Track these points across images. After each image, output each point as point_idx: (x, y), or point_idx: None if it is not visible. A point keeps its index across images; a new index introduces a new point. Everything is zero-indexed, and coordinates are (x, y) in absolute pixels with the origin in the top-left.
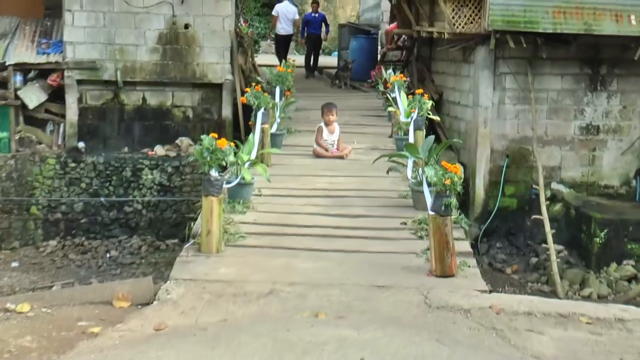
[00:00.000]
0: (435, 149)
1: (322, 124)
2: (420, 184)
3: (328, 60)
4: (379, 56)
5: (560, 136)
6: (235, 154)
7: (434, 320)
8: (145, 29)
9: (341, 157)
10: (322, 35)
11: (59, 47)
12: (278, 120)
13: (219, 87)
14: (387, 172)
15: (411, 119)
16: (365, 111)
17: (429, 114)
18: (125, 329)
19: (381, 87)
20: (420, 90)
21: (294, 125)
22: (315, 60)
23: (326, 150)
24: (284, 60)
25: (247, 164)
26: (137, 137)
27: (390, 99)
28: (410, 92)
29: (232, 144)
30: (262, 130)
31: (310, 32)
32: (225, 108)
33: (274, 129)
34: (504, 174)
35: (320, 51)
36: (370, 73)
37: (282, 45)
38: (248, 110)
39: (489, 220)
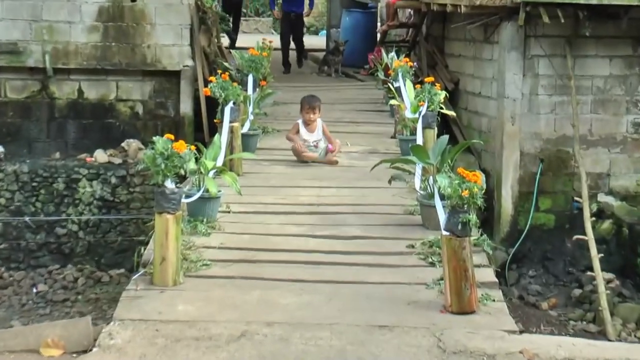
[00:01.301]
0: (449, 152)
1: (300, 122)
2: (431, 196)
3: (314, 41)
4: (378, 36)
5: (608, 135)
6: (196, 160)
7: None
8: (81, 3)
9: (332, 163)
10: (305, 10)
11: None
12: (251, 117)
13: (175, 75)
14: (389, 181)
15: (419, 114)
16: (362, 105)
17: (441, 108)
18: None
19: (381, 75)
20: (430, 79)
21: (272, 123)
22: (299, 47)
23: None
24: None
25: (211, 173)
26: (72, 140)
27: (393, 89)
28: (418, 80)
29: (193, 147)
30: (231, 130)
31: (288, 10)
32: (184, 102)
33: (245, 129)
34: (538, 184)
35: (304, 32)
36: (368, 57)
37: (288, 27)
38: (213, 104)
39: (519, 242)
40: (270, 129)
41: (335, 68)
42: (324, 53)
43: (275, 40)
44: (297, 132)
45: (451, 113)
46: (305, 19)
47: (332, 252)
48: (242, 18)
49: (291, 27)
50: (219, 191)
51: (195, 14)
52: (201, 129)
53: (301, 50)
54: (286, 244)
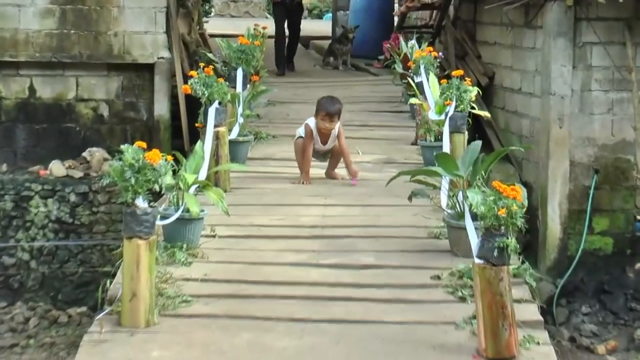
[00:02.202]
0: (483, 162)
1: (313, 125)
2: (460, 216)
3: (317, 27)
4: (395, 19)
5: None
6: (174, 172)
7: None
8: None
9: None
10: None
11: None
12: (241, 120)
13: (148, 69)
14: (410, 198)
15: (446, 115)
16: (375, 104)
17: (473, 108)
18: None
19: (399, 68)
20: (459, 72)
21: (266, 127)
22: (292, 40)
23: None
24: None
25: (193, 189)
26: (22, 149)
27: (414, 85)
28: (444, 74)
29: (170, 157)
30: (217, 136)
31: None
32: (159, 102)
33: (234, 134)
34: (592, 200)
35: (301, 21)
36: (383, 46)
37: (283, 14)
38: (194, 105)
39: (569, 272)
40: (264, 134)
41: (344, 59)
42: (329, 41)
43: (270, 26)
44: (311, 138)
45: (485, 114)
46: (306, 1)
47: (339, 284)
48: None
49: (287, 14)
50: (202, 211)
51: None
52: (180, 135)
53: (293, 44)
54: (283, 275)
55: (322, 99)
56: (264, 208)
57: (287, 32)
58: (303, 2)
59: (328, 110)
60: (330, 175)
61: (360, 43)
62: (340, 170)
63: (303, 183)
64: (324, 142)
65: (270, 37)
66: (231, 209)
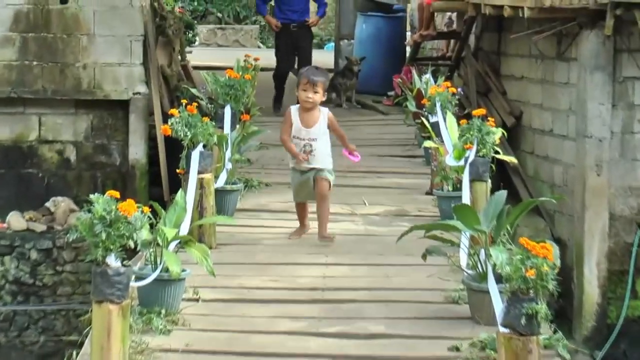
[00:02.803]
0: (509, 215)
1: (294, 108)
2: (482, 277)
3: (318, 58)
4: (407, 50)
5: None
6: (152, 226)
7: None
8: None
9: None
10: (312, 20)
11: None
12: (229, 165)
13: (122, 107)
14: (424, 256)
15: (465, 161)
16: (385, 148)
17: (497, 153)
18: None
19: (412, 106)
20: (481, 111)
21: (258, 174)
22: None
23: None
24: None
25: (173, 245)
26: None
27: (429, 126)
28: (464, 113)
29: (147, 209)
30: (201, 184)
31: (287, 18)
32: (135, 145)
33: (221, 182)
34: (635, 259)
35: (311, 50)
36: (393, 80)
37: (289, 44)
38: (176, 148)
39: (609, 343)
40: (255, 182)
41: (348, 96)
42: (331, 75)
43: (263, 57)
44: (289, 123)
45: (511, 159)
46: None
47: (343, 357)
48: (219, 26)
49: (293, 44)
50: (184, 271)
51: (150, 20)
52: (159, 182)
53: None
54: (278, 346)
55: (302, 69)
56: (255, 267)
57: (289, 64)
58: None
59: (309, 77)
60: (323, 236)
61: (367, 77)
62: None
63: (295, 165)
64: (307, 124)
65: (264, 69)
66: (217, 269)
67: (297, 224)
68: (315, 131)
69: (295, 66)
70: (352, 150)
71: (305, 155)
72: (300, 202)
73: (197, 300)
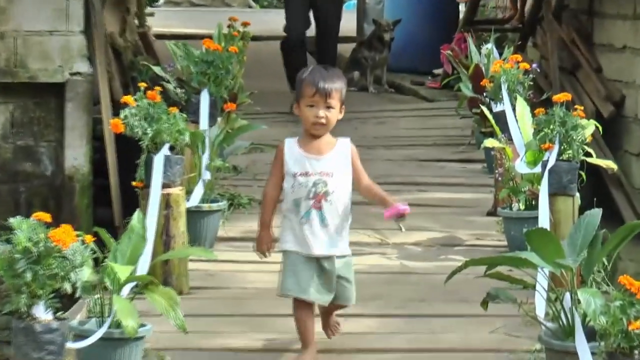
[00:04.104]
0: (606, 244)
1: (288, 141)
2: (567, 333)
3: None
4: (461, 11)
5: None
6: (97, 262)
7: None
8: None
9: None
10: None
11: None
12: (207, 175)
13: (55, 93)
14: (485, 304)
15: (543, 167)
16: (428, 150)
17: (588, 155)
18: None
19: (467, 90)
20: (565, 96)
21: (249, 187)
22: (323, 55)
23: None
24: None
25: (127, 290)
26: None
27: (491, 118)
28: (541, 99)
29: (90, 238)
30: (167, 203)
31: None
32: (74, 147)
33: (195, 199)
34: None
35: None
36: (441, 53)
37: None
38: (131, 151)
39: None
40: (244, 198)
41: (376, 75)
42: (352, 45)
43: (256, 21)
44: (281, 164)
45: (609, 164)
46: None
47: None
48: None
49: (311, 5)
50: (142, 326)
51: None
52: (107, 200)
53: (326, 53)
54: None
55: (304, 70)
56: (243, 321)
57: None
58: None
59: (317, 84)
60: (329, 326)
61: (403, 49)
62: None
63: (256, 251)
64: (316, 152)
65: (257, 38)
66: (191, 323)
67: None
68: (330, 160)
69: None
70: (395, 205)
71: (267, 252)
72: (300, 301)
73: None
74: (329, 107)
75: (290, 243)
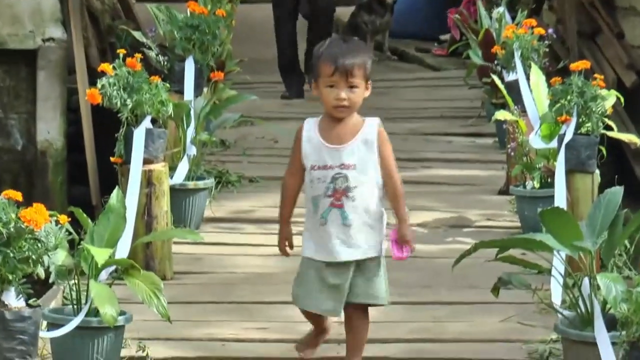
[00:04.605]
0: (628, 225)
1: (310, 121)
2: (586, 321)
3: None
4: None
5: None
6: (73, 245)
7: None
8: None
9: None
10: None
11: None
12: (192, 151)
13: (26, 61)
14: (496, 290)
15: (560, 142)
16: (435, 123)
17: (609, 129)
18: None
19: (477, 57)
20: (584, 64)
21: (238, 163)
22: (314, 37)
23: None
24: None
25: (105, 275)
26: None
27: (503, 88)
28: (557, 67)
29: (65, 218)
30: (149, 180)
31: None
32: (47, 119)
33: (180, 176)
34: None
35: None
36: (448, 17)
37: None
38: (109, 124)
39: None
40: (233, 176)
41: (377, 42)
42: (351, 9)
43: None
44: (299, 151)
45: (632, 138)
46: None
47: None
48: None
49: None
50: (122, 314)
51: None
52: (83, 177)
53: (316, 33)
54: None
55: (320, 46)
56: (232, 309)
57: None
58: None
59: (337, 61)
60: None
61: (406, 12)
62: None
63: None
64: (339, 139)
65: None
66: (175, 311)
67: (296, 249)
68: (352, 151)
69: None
70: (403, 243)
71: (288, 249)
72: (314, 315)
73: (143, 359)
74: (351, 87)
75: (308, 249)
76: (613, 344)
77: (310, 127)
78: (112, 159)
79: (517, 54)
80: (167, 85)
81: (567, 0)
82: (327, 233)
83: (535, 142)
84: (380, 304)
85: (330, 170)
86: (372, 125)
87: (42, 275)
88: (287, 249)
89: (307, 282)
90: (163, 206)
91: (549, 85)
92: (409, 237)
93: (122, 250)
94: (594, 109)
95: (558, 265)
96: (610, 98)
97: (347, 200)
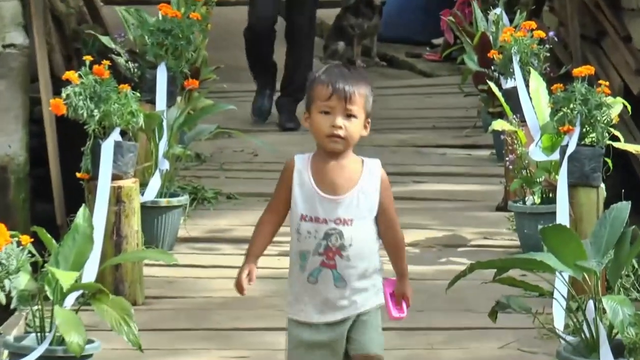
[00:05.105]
0: (637, 243)
1: (300, 158)
2: (590, 348)
3: None
4: None
5: None
6: (36, 268)
7: None
8: None
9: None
10: None
11: None
12: (165, 165)
13: None
14: (493, 315)
15: (562, 154)
16: (427, 134)
17: (615, 139)
18: None
19: (472, 63)
20: (588, 69)
21: (214, 178)
22: (295, 67)
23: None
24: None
25: (71, 300)
26: None
27: (500, 96)
28: (559, 73)
29: (27, 238)
30: (118, 198)
31: None
32: (8, 132)
33: (152, 193)
34: None
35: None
36: (441, 20)
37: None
38: (75, 137)
39: None
40: (209, 192)
41: (365, 46)
42: (336, 11)
43: None
44: (288, 190)
45: (639, 149)
46: None
47: None
48: None
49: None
50: (90, 342)
51: None
52: (47, 194)
53: (296, 79)
54: None
55: (318, 70)
56: (208, 336)
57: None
58: None
59: (335, 85)
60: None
61: (396, 14)
62: None
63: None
64: (334, 186)
65: (224, 3)
66: (147, 338)
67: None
68: (350, 204)
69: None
70: (401, 297)
71: (245, 284)
72: None
73: None
74: (349, 116)
75: (293, 307)
76: None
77: (302, 168)
78: (78, 174)
79: (515, 59)
80: (138, 94)
81: (569, 1)
82: (317, 292)
83: (536, 154)
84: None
85: (324, 225)
86: (373, 171)
87: (3, 300)
88: (244, 283)
89: (298, 347)
90: (133, 225)
91: (550, 93)
92: (409, 293)
93: (89, 273)
94: (598, 118)
95: (560, 287)
96: (616, 106)
97: (340, 260)
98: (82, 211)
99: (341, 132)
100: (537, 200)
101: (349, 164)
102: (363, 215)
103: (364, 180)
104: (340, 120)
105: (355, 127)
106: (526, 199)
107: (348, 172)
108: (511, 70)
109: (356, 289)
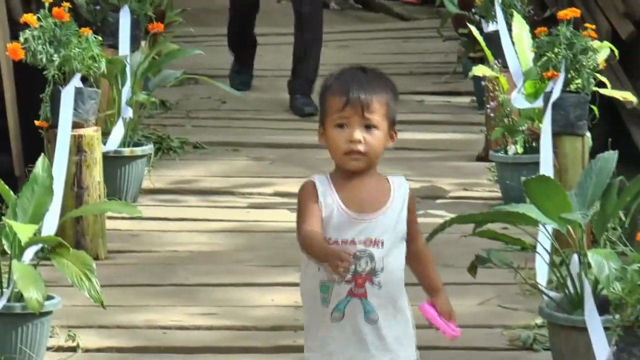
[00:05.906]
0: (623, 194)
1: (320, 179)
2: (575, 304)
3: None
4: None
5: None
6: None
7: None
8: None
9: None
10: None
11: None
12: (128, 113)
13: None
14: (473, 269)
15: (546, 101)
16: (405, 80)
17: (601, 86)
18: None
19: (452, 5)
20: (573, 12)
21: (179, 127)
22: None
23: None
24: None
25: (30, 254)
26: None
27: (481, 40)
28: (543, 17)
29: None
30: (79, 147)
31: None
32: None
33: (114, 142)
34: None
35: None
36: None
37: None
38: (34, 84)
39: None
40: (175, 141)
41: None
42: None
43: None
44: (313, 201)
45: (627, 96)
46: None
47: None
48: None
49: None
50: (49, 299)
51: None
52: (4, 145)
53: (309, 61)
54: None
55: (331, 76)
56: (175, 292)
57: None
58: None
59: (350, 92)
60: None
61: None
62: None
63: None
64: (363, 207)
65: None
66: (109, 295)
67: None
68: (381, 223)
69: None
70: (448, 317)
71: (348, 264)
72: None
73: (73, 349)
74: (368, 127)
75: (313, 352)
76: (605, 328)
77: (325, 187)
78: (37, 122)
79: (497, 1)
80: (100, 38)
81: None
82: (343, 333)
83: (518, 101)
84: None
85: (352, 247)
86: (401, 189)
87: None
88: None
89: None
90: (95, 176)
91: (534, 37)
92: (449, 310)
93: (49, 226)
94: (584, 63)
95: (544, 241)
96: (603, 51)
97: (371, 287)
98: (41, 161)
99: (361, 147)
100: (520, 150)
101: (375, 183)
102: (394, 236)
103: (394, 198)
104: (358, 134)
105: (377, 140)
106: (508, 148)
107: (375, 191)
108: (493, 13)
109: (390, 327)
